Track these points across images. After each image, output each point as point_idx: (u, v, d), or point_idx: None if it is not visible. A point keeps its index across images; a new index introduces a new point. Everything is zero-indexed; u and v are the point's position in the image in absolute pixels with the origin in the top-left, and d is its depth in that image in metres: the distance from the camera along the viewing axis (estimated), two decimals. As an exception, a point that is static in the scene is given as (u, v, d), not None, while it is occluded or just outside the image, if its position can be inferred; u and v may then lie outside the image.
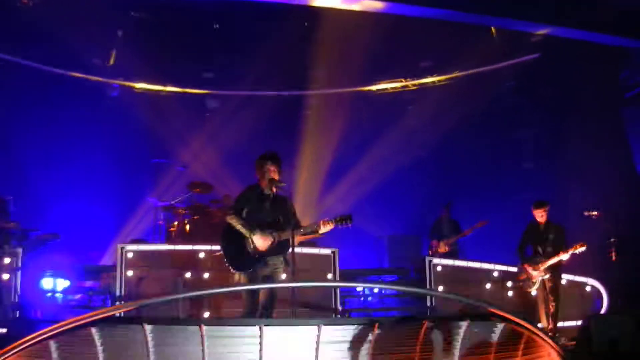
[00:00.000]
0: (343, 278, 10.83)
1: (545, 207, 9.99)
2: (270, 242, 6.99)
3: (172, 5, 13.18)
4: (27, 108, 13.66)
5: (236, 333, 5.09)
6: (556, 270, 9.88)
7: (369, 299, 11.99)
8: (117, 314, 6.23)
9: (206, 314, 9.11)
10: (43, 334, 4.67)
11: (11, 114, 13.34)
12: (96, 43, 13.66)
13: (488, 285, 10.93)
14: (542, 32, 12.93)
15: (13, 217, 10.38)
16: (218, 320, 5.46)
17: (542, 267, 9.78)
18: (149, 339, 4.86)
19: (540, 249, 9.95)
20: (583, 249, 9.55)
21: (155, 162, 13.08)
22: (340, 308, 10.65)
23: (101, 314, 4.78)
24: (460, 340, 5.46)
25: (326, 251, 10.38)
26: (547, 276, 9.80)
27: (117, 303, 9.10)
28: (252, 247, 7.03)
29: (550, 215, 10.07)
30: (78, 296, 10.35)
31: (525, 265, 10.00)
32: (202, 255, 9.78)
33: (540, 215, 10.01)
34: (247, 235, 7.00)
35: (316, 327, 5.06)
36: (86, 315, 4.70)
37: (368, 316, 10.16)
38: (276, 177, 7.18)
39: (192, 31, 13.89)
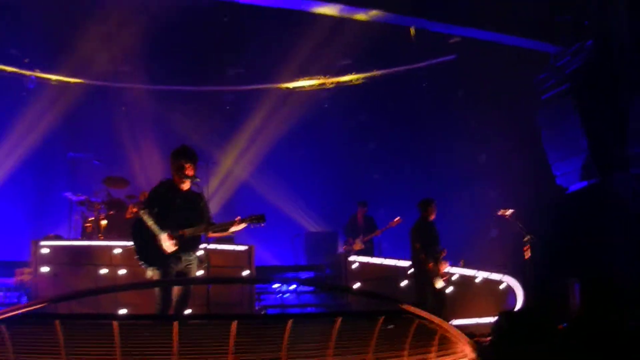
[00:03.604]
0: (259, 275, 10.96)
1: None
2: (175, 248, 6.88)
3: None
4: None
5: (149, 330, 5.15)
6: None
7: (286, 295, 11.96)
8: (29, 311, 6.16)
9: (123, 311, 9.02)
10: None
11: None
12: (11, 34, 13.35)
13: (404, 283, 10.94)
14: (458, 33, 13.23)
15: None
16: (131, 316, 5.45)
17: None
18: (61, 335, 4.87)
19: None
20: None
21: (72, 156, 12.84)
22: (257, 306, 10.77)
23: (10, 312, 4.72)
24: (374, 337, 5.57)
25: (242, 247, 10.45)
26: None
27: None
28: None
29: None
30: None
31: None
32: (117, 251, 9.72)
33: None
34: (157, 233, 6.86)
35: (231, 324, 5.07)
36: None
37: (284, 312, 10.20)
38: (191, 172, 7.05)
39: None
